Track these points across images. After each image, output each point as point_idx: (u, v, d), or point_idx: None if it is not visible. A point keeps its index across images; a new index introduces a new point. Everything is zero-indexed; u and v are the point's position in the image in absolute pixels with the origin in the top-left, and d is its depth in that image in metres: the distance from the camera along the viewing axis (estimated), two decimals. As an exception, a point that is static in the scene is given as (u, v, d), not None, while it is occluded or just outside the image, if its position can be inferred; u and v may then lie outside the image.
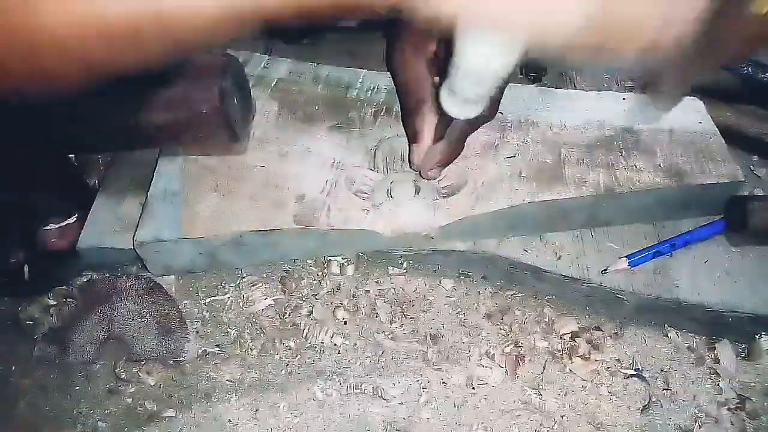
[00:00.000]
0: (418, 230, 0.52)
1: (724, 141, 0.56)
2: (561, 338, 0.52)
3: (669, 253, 0.53)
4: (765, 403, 0.49)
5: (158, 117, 0.53)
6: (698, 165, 0.54)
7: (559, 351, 0.51)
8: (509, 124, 0.57)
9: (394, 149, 0.56)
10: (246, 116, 0.55)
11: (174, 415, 0.48)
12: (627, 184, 0.53)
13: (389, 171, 0.55)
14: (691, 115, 0.59)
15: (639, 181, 0.53)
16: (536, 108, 0.58)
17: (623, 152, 0.55)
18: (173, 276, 0.55)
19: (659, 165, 0.54)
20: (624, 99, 0.59)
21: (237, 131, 0.54)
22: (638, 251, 0.52)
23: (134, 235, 0.51)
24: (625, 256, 0.52)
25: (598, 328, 0.53)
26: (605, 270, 0.52)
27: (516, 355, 0.51)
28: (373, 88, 0.61)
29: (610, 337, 0.52)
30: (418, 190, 0.53)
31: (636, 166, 0.54)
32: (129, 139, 0.57)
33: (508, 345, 0.52)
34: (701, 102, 0.59)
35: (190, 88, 0.52)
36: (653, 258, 0.52)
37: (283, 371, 0.50)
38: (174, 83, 0.53)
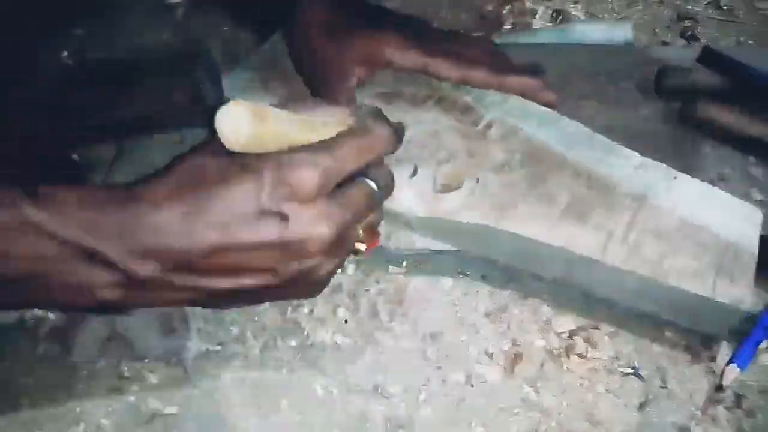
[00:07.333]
0: (411, 213, 0.52)
1: (755, 264, 0.49)
2: (559, 336, 0.53)
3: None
4: (761, 401, 0.49)
5: (137, 108, 0.53)
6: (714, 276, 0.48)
7: (556, 349, 0.52)
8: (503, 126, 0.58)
9: None
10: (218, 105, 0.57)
11: (176, 413, 0.49)
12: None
13: None
14: (741, 222, 0.51)
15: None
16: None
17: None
18: (175, 275, 0.55)
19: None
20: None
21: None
22: (740, 350, 0.49)
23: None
24: (733, 362, 0.49)
25: (595, 327, 0.53)
26: (720, 386, 0.49)
27: (514, 354, 0.52)
28: None
29: (608, 335, 0.53)
30: (415, 171, 0.53)
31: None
32: (109, 130, 0.58)
33: (507, 343, 0.52)
34: (761, 215, 0.52)
35: (165, 79, 0.53)
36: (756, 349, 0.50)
37: (285, 369, 0.51)
38: (150, 75, 0.54)
